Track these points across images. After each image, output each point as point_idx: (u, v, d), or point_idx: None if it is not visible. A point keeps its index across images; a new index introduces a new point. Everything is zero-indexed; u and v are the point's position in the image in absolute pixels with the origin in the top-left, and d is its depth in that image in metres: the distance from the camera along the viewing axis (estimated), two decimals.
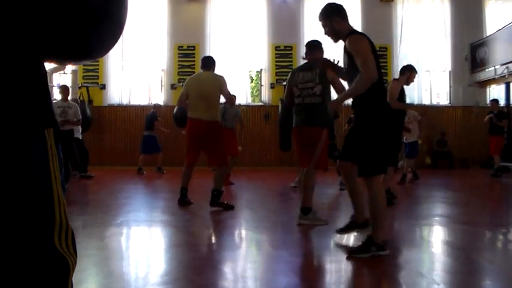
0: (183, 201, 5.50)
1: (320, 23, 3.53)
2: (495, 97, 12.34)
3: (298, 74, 4.50)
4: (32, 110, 0.88)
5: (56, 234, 0.92)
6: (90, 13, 0.84)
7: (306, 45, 4.64)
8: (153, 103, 11.67)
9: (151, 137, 10.57)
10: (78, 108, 8.00)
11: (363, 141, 3.22)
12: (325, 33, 3.54)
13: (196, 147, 5.51)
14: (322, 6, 3.62)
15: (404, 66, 6.06)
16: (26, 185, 0.87)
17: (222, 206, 5.29)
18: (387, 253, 3.16)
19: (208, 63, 5.69)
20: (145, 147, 10.58)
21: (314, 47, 4.57)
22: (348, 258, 3.13)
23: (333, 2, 3.59)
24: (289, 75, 4.67)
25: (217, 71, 6.02)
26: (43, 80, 0.92)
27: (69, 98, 8.24)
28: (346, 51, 3.36)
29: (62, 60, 1.02)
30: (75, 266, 0.94)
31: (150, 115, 10.74)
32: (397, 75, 6.37)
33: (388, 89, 5.50)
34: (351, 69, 3.29)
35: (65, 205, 0.95)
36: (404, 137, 7.92)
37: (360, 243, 3.27)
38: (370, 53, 3.20)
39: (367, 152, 3.20)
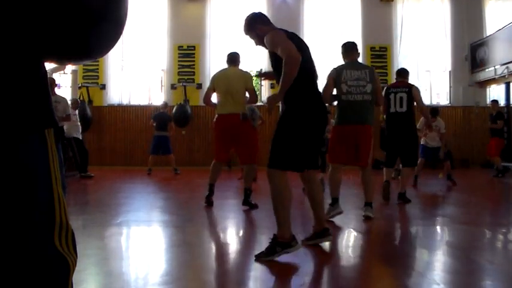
0: (209, 201, 5.45)
1: (249, 36, 3.53)
2: (495, 97, 12.34)
3: (346, 71, 4.53)
4: (32, 110, 0.88)
5: (56, 234, 0.92)
6: (89, 13, 0.84)
7: (342, 47, 4.76)
8: (162, 102, 11.31)
9: (165, 138, 10.24)
10: (68, 103, 7.87)
11: (275, 133, 3.24)
12: (256, 45, 3.53)
13: (227, 143, 5.47)
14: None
15: (405, 70, 6.25)
16: (26, 185, 0.87)
17: (250, 206, 5.30)
18: (297, 248, 3.09)
19: (234, 58, 5.69)
20: (156, 148, 10.23)
21: (351, 48, 4.73)
22: (255, 260, 3.00)
23: (253, 12, 3.59)
24: (332, 72, 4.62)
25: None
26: (43, 79, 0.92)
27: (70, 97, 8.16)
28: (269, 52, 3.29)
29: (61, 60, 1.02)
30: (75, 266, 0.94)
31: (164, 115, 10.43)
32: None
33: (420, 99, 5.88)
34: (276, 68, 3.21)
35: (65, 205, 0.95)
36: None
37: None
38: (286, 39, 3.08)
39: (274, 144, 3.19)
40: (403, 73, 6.14)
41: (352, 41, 4.96)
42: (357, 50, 4.79)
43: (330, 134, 4.81)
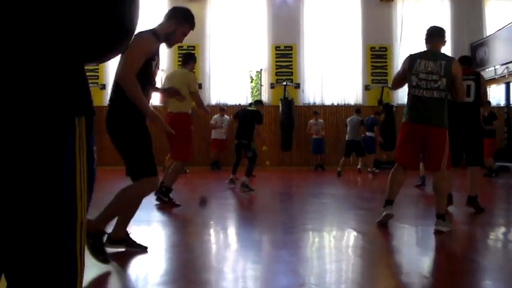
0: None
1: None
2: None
3: (420, 61, 4.12)
4: (61, 96, 0.84)
5: (78, 233, 0.88)
6: (121, 26, 0.89)
7: (428, 32, 4.33)
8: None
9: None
10: None
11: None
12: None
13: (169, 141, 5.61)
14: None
15: (469, 58, 5.87)
16: (48, 178, 0.82)
17: (168, 203, 5.29)
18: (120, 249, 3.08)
19: (185, 60, 5.67)
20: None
21: (438, 35, 4.29)
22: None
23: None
24: (406, 60, 4.26)
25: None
26: (78, 68, 0.90)
27: None
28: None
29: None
30: (83, 275, 0.91)
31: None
32: None
33: (485, 91, 5.43)
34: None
35: (85, 203, 0.90)
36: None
37: None
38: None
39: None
40: (467, 60, 5.52)
41: (439, 26, 4.42)
42: (441, 36, 4.27)
43: (400, 131, 4.35)
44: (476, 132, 5.11)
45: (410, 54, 4.29)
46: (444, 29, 4.40)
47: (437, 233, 3.92)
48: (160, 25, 3.17)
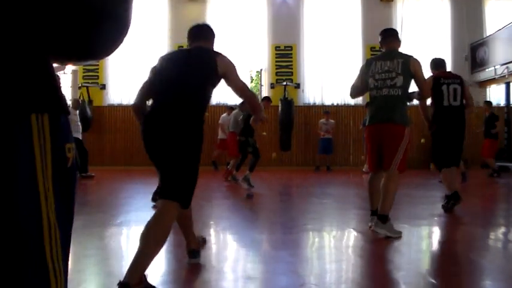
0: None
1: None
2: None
3: (376, 63, 4.05)
4: (12, 94, 0.80)
5: (46, 238, 0.83)
6: (90, 12, 0.83)
7: (381, 34, 4.22)
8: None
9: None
10: (68, 103, 7.91)
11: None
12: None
13: None
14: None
15: (444, 60, 5.69)
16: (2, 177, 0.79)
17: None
18: None
19: None
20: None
21: (391, 35, 4.19)
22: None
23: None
24: (363, 65, 4.25)
25: None
26: (38, 63, 0.86)
27: (70, 97, 8.17)
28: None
29: (63, 59, 0.98)
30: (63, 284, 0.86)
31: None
32: None
33: (470, 94, 5.46)
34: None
35: (52, 203, 0.85)
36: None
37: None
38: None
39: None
40: (443, 64, 5.49)
41: (392, 28, 4.48)
42: (395, 36, 4.17)
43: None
44: (460, 135, 5.27)
45: (367, 59, 4.35)
46: (397, 30, 4.42)
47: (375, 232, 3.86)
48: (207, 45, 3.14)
